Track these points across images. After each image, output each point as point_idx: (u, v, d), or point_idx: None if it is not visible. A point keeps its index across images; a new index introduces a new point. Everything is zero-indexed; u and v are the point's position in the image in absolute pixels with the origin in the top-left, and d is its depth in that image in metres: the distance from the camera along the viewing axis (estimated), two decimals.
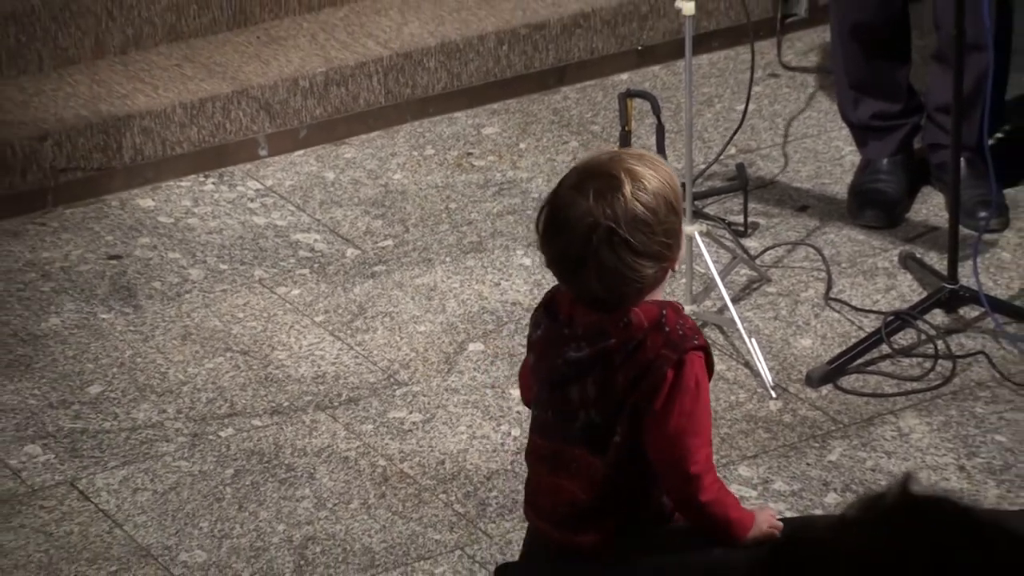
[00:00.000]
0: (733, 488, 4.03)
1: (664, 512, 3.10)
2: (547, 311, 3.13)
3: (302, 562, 3.89)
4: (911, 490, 1.69)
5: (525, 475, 4.08)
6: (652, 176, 2.96)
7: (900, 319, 4.50)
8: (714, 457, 4.09)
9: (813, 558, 1.66)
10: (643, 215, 2.93)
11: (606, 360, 2.99)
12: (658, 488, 3.07)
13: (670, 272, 3.08)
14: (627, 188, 2.93)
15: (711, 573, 3.06)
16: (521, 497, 4.00)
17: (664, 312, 3.01)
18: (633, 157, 3.03)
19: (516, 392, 4.33)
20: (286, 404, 4.34)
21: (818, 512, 3.99)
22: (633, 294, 3.01)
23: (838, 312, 4.62)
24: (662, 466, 3.02)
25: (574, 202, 2.96)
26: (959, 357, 4.44)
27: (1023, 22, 5.08)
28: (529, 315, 4.53)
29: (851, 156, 5.14)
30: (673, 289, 4.65)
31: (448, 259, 4.83)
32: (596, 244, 2.92)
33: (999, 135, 5.08)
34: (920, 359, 4.44)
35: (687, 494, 3.04)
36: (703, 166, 5.07)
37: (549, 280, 4.69)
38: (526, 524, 3.93)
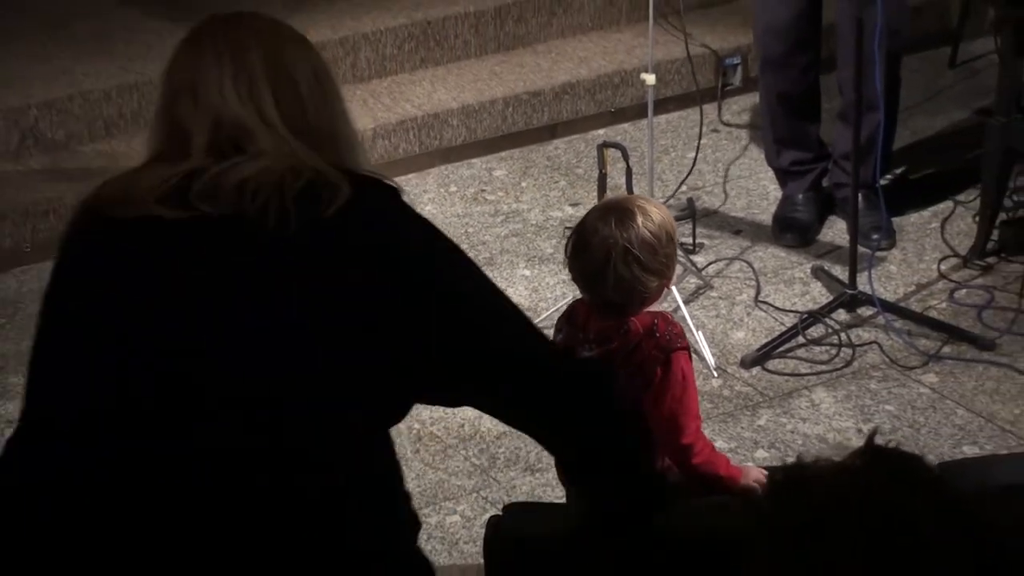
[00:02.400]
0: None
1: (663, 472, 3.10)
2: (568, 319, 3.17)
3: None
4: (875, 442, 1.71)
5: (525, 437, 4.08)
6: (656, 212, 3.05)
7: (812, 317, 4.49)
8: None
9: (813, 480, 1.66)
10: (650, 239, 3.00)
11: (609, 359, 3.01)
12: (659, 455, 3.08)
13: (666, 289, 3.12)
14: (639, 219, 3.01)
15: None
16: (524, 453, 4.01)
17: (656, 321, 3.07)
18: (642, 199, 3.12)
19: None
20: None
21: (749, 464, 3.99)
22: (639, 302, 3.06)
23: (765, 312, 4.61)
24: (662, 439, 3.03)
25: (597, 229, 3.01)
26: (858, 346, 4.43)
27: (907, 90, 5.08)
28: (530, 315, 4.54)
29: (774, 192, 5.14)
30: None
31: None
32: (614, 260, 2.97)
33: (888, 176, 5.07)
34: (828, 347, 4.43)
35: (683, 459, 3.08)
36: (661, 200, 5.07)
37: (545, 288, 4.70)
38: (527, 474, 3.94)
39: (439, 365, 2.34)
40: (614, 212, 3.05)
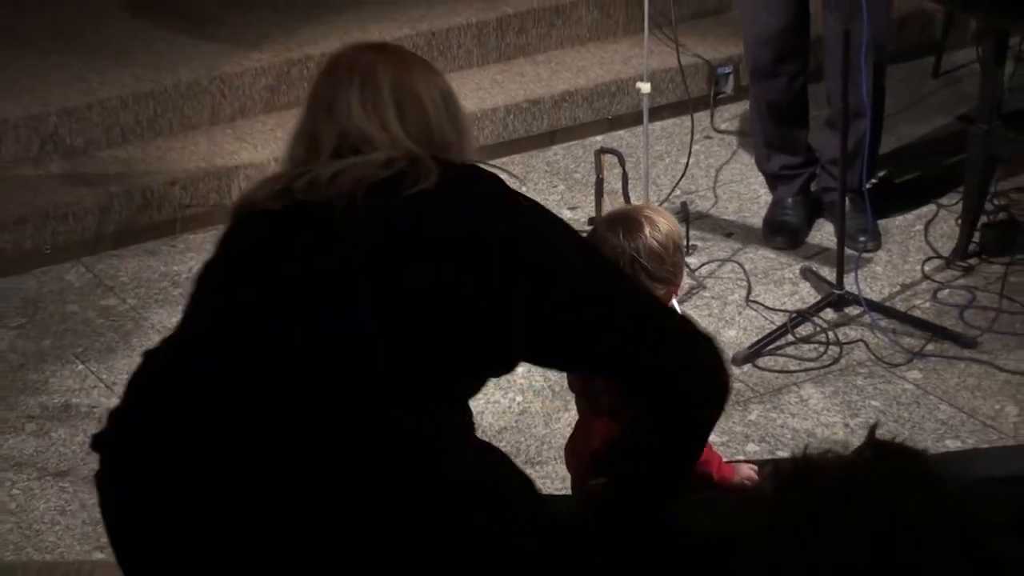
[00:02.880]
0: None
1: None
2: None
3: None
4: (876, 436, 1.71)
5: (526, 431, 4.09)
6: (663, 222, 3.04)
7: (801, 316, 4.50)
8: None
9: (818, 474, 1.66)
10: (657, 249, 3.00)
11: None
12: None
13: (674, 294, 3.13)
14: (646, 229, 3.00)
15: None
16: (524, 447, 4.01)
17: None
18: (649, 209, 3.12)
19: (520, 369, 4.32)
20: None
21: (740, 458, 3.99)
22: None
23: (755, 311, 4.61)
24: None
25: (606, 239, 3.00)
26: (845, 344, 4.43)
27: (892, 98, 5.08)
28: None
29: (765, 196, 5.14)
30: None
31: None
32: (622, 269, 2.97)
33: (874, 181, 5.08)
34: (816, 345, 4.43)
35: None
36: (656, 203, 5.07)
37: None
38: (527, 467, 3.94)
39: (527, 354, 2.47)
40: (622, 222, 3.04)
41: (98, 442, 2.51)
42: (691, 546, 2.60)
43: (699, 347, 2.55)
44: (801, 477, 1.66)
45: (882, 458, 1.67)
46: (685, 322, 2.63)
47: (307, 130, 2.52)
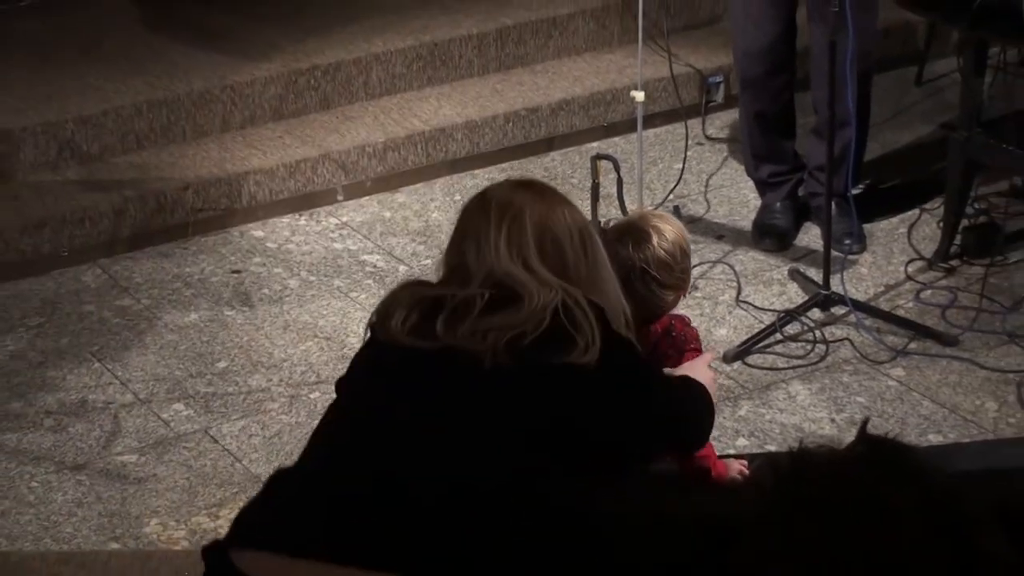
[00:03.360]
0: None
1: None
2: None
3: None
4: (868, 431, 1.71)
5: None
6: (670, 230, 3.08)
7: (789, 315, 4.50)
8: None
9: (812, 468, 1.66)
10: (666, 258, 3.03)
11: None
12: None
13: (682, 297, 3.17)
14: (654, 239, 3.03)
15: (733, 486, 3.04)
16: None
17: (673, 323, 3.13)
18: (656, 218, 3.15)
19: None
20: None
21: (731, 452, 3.99)
22: (658, 314, 3.13)
23: (745, 310, 4.62)
24: None
25: (616, 251, 3.03)
26: (831, 342, 4.44)
27: (876, 106, 5.08)
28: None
29: (754, 201, 5.14)
30: None
31: None
32: (633, 280, 2.98)
33: (859, 186, 5.08)
34: (803, 343, 4.44)
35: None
36: (650, 207, 5.07)
37: None
38: None
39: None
40: (631, 234, 3.05)
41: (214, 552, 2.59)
42: (679, 537, 2.59)
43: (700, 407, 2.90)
44: (797, 471, 1.66)
45: (872, 453, 1.67)
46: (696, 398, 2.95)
47: (456, 258, 2.69)
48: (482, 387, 2.52)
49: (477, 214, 2.71)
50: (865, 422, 1.73)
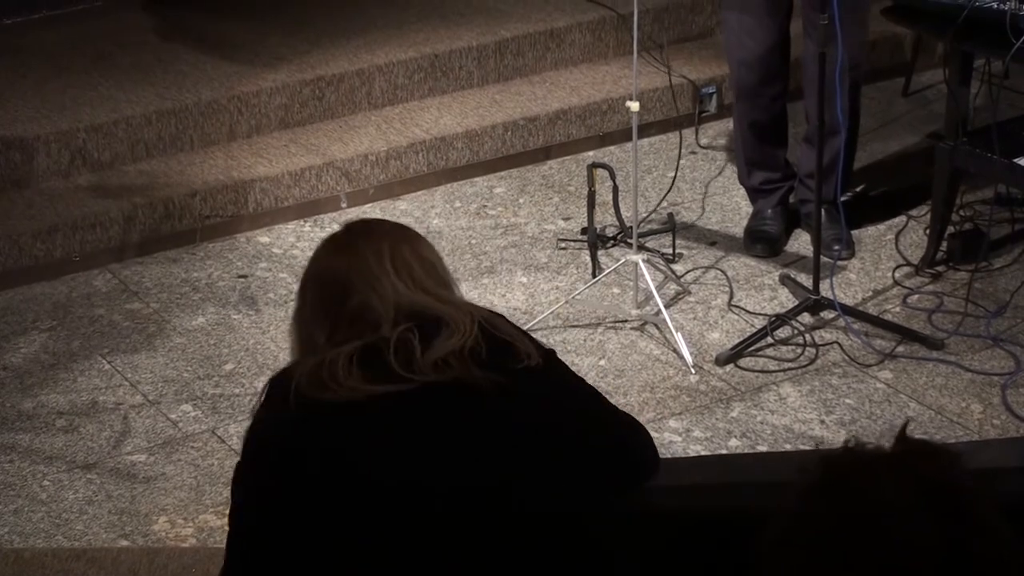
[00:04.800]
0: (665, 436, 4.04)
1: None
2: None
3: None
4: (907, 434, 1.70)
5: None
6: None
7: (780, 319, 4.50)
8: (652, 414, 4.11)
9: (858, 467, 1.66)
10: None
11: None
12: None
13: None
14: None
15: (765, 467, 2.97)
16: None
17: None
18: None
19: None
20: None
21: (723, 451, 3.99)
22: None
23: (737, 315, 4.62)
24: None
25: None
26: (820, 345, 4.44)
27: (864, 116, 5.09)
28: (526, 318, 4.54)
29: (746, 208, 5.14)
30: (624, 299, 4.65)
31: (470, 278, 4.83)
32: None
33: (848, 193, 5.08)
34: (794, 347, 4.44)
35: None
36: (645, 215, 5.07)
37: (540, 294, 4.71)
38: None
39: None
40: None
41: None
42: (710, 526, 2.56)
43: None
44: (845, 473, 1.66)
45: (904, 457, 1.66)
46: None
47: (351, 310, 2.48)
48: (502, 407, 2.39)
49: (350, 262, 2.52)
50: (905, 425, 1.73)
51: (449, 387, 2.37)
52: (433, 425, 2.38)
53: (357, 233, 2.59)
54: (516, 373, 2.42)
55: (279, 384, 2.43)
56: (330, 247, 2.57)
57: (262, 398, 2.47)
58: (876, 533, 1.59)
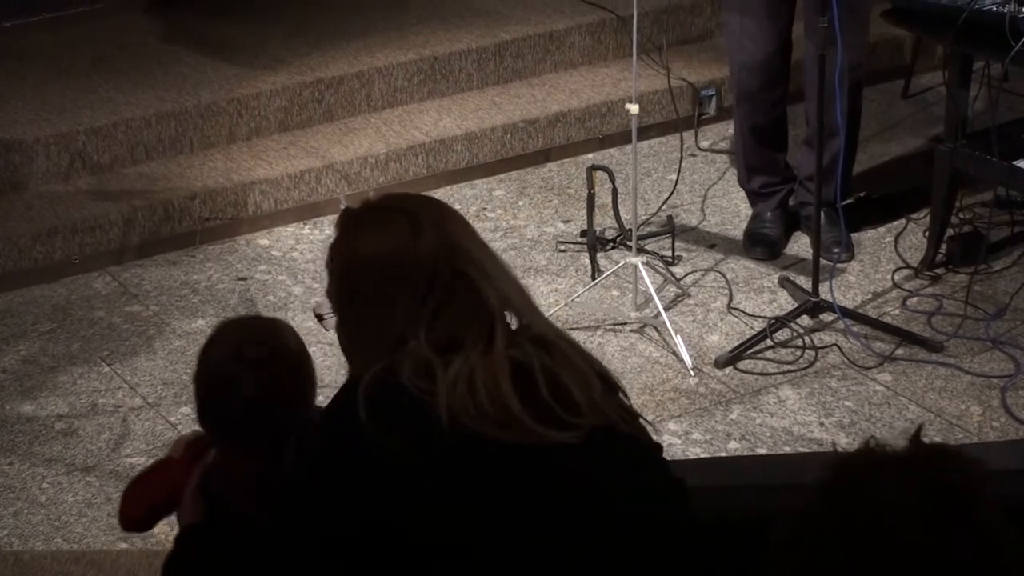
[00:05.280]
0: (665, 438, 4.03)
1: None
2: None
3: None
4: (920, 438, 1.70)
5: None
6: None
7: (779, 322, 4.50)
8: (651, 416, 4.11)
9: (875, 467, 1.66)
10: None
11: None
12: None
13: None
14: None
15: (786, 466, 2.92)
16: None
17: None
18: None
19: None
20: None
21: (722, 454, 3.99)
22: None
23: (736, 317, 4.61)
24: None
25: None
26: (820, 348, 4.43)
27: (864, 119, 5.08)
28: None
29: (745, 211, 5.14)
30: (623, 302, 4.65)
31: None
32: None
33: (849, 198, 5.07)
34: (793, 349, 4.43)
35: None
36: (644, 217, 5.07)
37: (539, 296, 4.70)
38: None
39: None
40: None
41: None
42: (719, 528, 2.53)
43: None
44: (854, 474, 1.66)
45: (915, 459, 1.66)
46: None
47: (464, 299, 2.07)
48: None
49: (442, 237, 2.12)
50: (919, 428, 1.73)
51: (606, 438, 1.99)
52: (612, 488, 1.98)
53: (423, 205, 2.17)
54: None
55: (395, 392, 1.94)
56: (392, 223, 2.09)
57: (362, 411, 1.95)
58: (878, 535, 1.58)
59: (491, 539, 1.89)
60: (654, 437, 2.20)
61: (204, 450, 2.50)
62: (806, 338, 4.45)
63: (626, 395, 2.14)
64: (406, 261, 2.05)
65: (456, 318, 2.02)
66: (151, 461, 3.00)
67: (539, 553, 1.91)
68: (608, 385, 2.08)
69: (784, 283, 4.75)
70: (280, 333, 2.48)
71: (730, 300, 4.68)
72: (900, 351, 4.40)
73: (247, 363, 2.40)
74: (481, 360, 1.95)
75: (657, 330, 4.52)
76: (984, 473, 1.64)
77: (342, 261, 2.15)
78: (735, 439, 4.06)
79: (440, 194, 5.37)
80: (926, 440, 1.70)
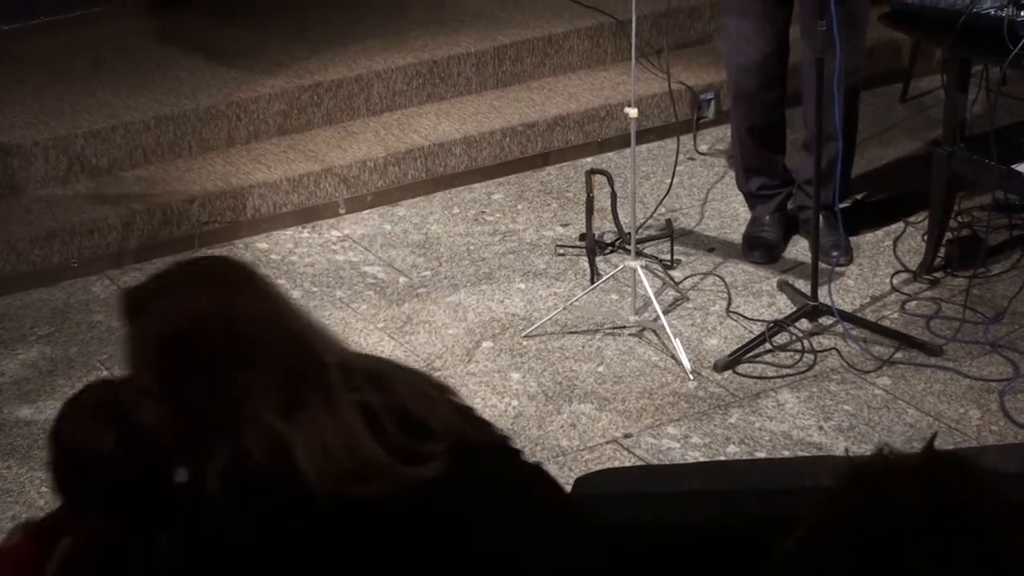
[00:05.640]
0: (664, 442, 4.03)
1: None
2: None
3: None
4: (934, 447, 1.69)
5: (521, 434, 4.08)
6: None
7: (778, 325, 4.49)
8: (650, 420, 4.10)
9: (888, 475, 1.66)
10: None
11: None
12: None
13: None
14: None
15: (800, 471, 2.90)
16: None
17: None
18: None
19: (516, 375, 4.33)
20: None
21: (721, 458, 3.98)
22: None
23: (735, 321, 4.61)
24: None
25: None
26: (819, 352, 4.43)
27: (862, 122, 5.08)
28: (525, 324, 4.54)
29: (744, 214, 5.14)
30: (622, 305, 4.64)
31: (469, 284, 4.82)
32: None
33: (847, 201, 5.07)
34: (792, 353, 4.43)
35: None
36: (643, 221, 5.07)
37: (538, 300, 4.70)
38: None
39: None
40: None
41: None
42: (709, 533, 2.51)
43: None
44: (863, 482, 1.65)
45: (925, 469, 1.66)
46: None
47: (287, 357, 1.87)
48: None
49: (255, 301, 1.93)
50: (933, 437, 1.73)
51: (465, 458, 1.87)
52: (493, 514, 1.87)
53: (216, 267, 1.98)
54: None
55: (253, 479, 1.73)
56: (197, 289, 1.93)
57: (223, 509, 1.71)
58: (890, 544, 1.58)
59: None
60: (493, 424, 2.07)
61: (51, 540, 2.25)
62: (805, 342, 4.45)
63: (454, 393, 2.00)
64: (229, 327, 1.85)
65: (291, 376, 1.83)
66: None
67: None
68: (440, 391, 1.96)
69: (783, 287, 4.75)
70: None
71: (729, 304, 4.68)
72: (899, 355, 4.40)
73: (103, 423, 2.15)
74: (328, 416, 1.79)
75: (656, 334, 4.51)
76: (997, 484, 1.64)
77: (155, 343, 1.91)
78: (734, 443, 4.05)
79: (439, 197, 5.37)
80: (939, 449, 1.70)
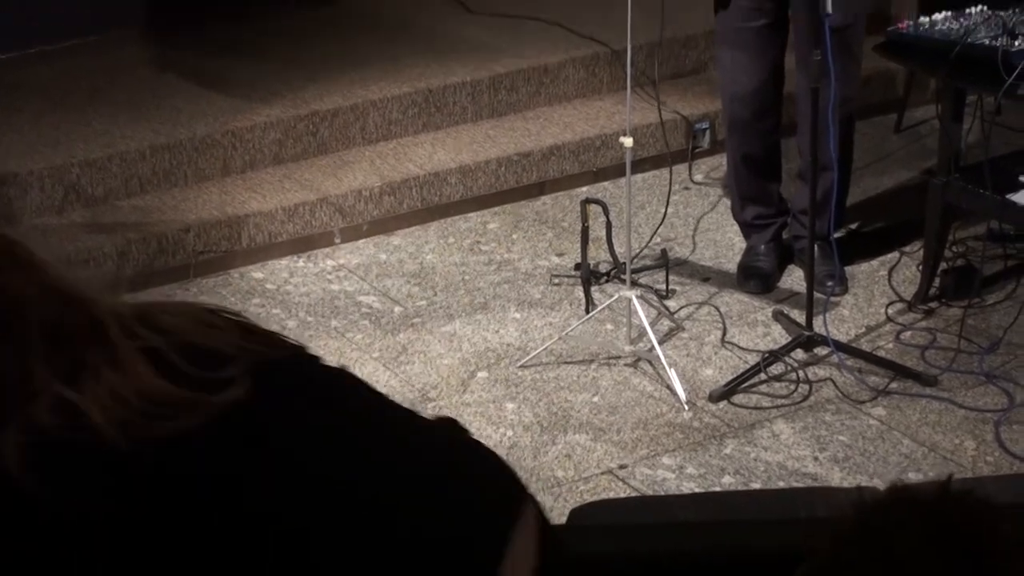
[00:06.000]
0: (659, 473, 4.02)
1: None
2: None
3: None
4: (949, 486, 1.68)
5: (516, 464, 4.07)
6: None
7: (773, 356, 4.49)
8: (645, 451, 4.10)
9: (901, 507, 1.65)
10: None
11: None
12: None
13: None
14: None
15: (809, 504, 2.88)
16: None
17: None
18: None
19: (511, 405, 4.32)
20: None
21: (717, 488, 3.98)
22: None
23: (731, 351, 4.60)
24: None
25: None
26: (814, 382, 4.43)
27: (857, 152, 5.09)
28: (520, 354, 4.54)
29: (739, 244, 5.14)
30: (618, 335, 4.64)
31: (464, 314, 4.82)
32: None
33: (842, 231, 5.07)
34: (787, 383, 4.43)
35: None
36: (638, 250, 5.07)
37: (533, 330, 4.70)
38: None
39: None
40: None
41: None
42: (704, 566, 2.50)
43: None
44: (874, 518, 1.65)
45: (938, 508, 1.66)
46: None
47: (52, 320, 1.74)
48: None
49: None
50: (950, 477, 1.72)
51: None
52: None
53: None
54: None
55: (48, 447, 1.64)
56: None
57: (25, 478, 1.62)
58: None
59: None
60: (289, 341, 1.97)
61: None
62: (800, 372, 4.44)
63: (231, 312, 1.91)
64: None
65: (65, 340, 1.71)
66: None
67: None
68: (215, 314, 1.87)
69: (778, 317, 4.74)
70: None
71: (724, 334, 4.68)
72: (894, 385, 4.39)
73: None
74: (113, 370, 1.69)
75: (651, 364, 4.51)
76: (1010, 525, 1.63)
77: None
78: (729, 474, 4.05)
79: (435, 227, 5.37)
80: (955, 489, 1.69)
